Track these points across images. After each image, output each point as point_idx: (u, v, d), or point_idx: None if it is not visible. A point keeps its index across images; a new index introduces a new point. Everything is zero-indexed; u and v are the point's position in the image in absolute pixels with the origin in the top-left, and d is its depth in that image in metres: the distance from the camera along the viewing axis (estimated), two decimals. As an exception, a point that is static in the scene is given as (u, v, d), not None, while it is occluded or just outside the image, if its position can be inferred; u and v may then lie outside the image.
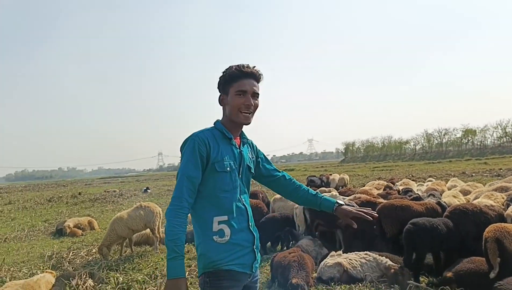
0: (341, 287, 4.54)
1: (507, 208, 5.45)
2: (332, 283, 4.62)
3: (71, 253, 7.19)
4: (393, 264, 4.70)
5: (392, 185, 10.49)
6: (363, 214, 2.12)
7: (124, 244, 7.23)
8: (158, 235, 7.06)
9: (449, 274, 4.37)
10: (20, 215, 15.38)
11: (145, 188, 25.53)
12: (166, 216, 1.84)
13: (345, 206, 2.18)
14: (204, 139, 1.94)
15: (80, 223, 10.53)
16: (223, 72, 2.04)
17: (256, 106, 2.04)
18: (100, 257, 6.76)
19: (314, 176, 18.10)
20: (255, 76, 2.02)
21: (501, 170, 22.93)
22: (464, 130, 75.18)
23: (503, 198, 5.92)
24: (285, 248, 6.51)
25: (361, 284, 4.59)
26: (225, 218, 1.93)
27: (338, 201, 2.22)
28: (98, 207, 16.72)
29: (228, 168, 1.97)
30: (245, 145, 2.16)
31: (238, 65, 2.00)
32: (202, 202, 1.97)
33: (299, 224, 6.60)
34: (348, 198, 6.70)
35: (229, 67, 2.03)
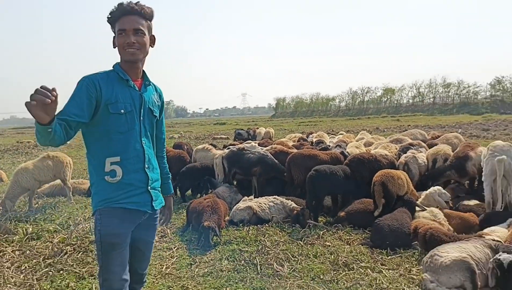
0: (249, 227, 4.94)
1: (399, 157, 6.24)
2: (241, 225, 5.00)
3: (-27, 206, 6.67)
4: (296, 206, 5.20)
5: (306, 138, 11.22)
6: (167, 217, 2.48)
7: (35, 195, 6.89)
8: (70, 186, 6.85)
9: (342, 214, 4.99)
10: None
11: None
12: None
13: (170, 200, 2.47)
14: (94, 81, 1.93)
15: (-15, 175, 9.68)
16: (109, 13, 2.00)
17: (142, 43, 2.01)
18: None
19: (242, 129, 18.47)
20: (138, 12, 1.98)
21: (410, 126, 25.46)
22: (384, 89, 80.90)
23: (396, 149, 6.73)
24: (204, 195, 6.75)
25: (267, 224, 5.05)
26: (117, 159, 1.98)
27: (170, 193, 2.48)
28: (9, 159, 15.34)
29: (123, 110, 1.98)
30: (148, 88, 2.16)
31: (118, 3, 1.97)
32: (95, 143, 2.00)
33: (218, 173, 6.86)
34: (265, 148, 7.07)
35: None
